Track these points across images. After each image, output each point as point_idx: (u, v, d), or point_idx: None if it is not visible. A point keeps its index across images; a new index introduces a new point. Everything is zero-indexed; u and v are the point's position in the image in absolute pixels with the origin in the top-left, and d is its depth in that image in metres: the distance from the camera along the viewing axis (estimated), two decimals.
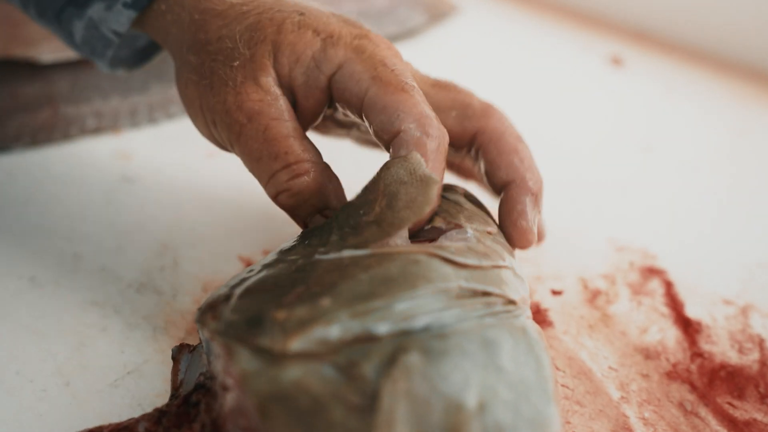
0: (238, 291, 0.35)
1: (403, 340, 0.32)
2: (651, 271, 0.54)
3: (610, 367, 0.46)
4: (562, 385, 0.44)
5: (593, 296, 0.51)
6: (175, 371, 0.40)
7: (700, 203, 0.63)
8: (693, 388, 0.45)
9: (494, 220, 0.44)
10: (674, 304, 0.51)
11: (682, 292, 0.52)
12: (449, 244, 0.38)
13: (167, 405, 0.38)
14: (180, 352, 0.40)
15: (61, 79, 0.64)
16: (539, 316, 0.49)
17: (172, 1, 0.44)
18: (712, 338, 0.48)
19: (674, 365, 0.46)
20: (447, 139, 0.40)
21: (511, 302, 0.36)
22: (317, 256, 0.36)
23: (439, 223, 0.39)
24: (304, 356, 0.31)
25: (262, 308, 0.33)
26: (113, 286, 0.48)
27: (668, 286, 0.52)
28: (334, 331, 0.32)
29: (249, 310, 0.33)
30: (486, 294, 0.35)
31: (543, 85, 0.80)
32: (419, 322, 0.33)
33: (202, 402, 0.36)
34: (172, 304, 0.47)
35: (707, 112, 0.77)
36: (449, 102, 0.45)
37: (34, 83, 0.63)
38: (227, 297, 0.35)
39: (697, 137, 0.72)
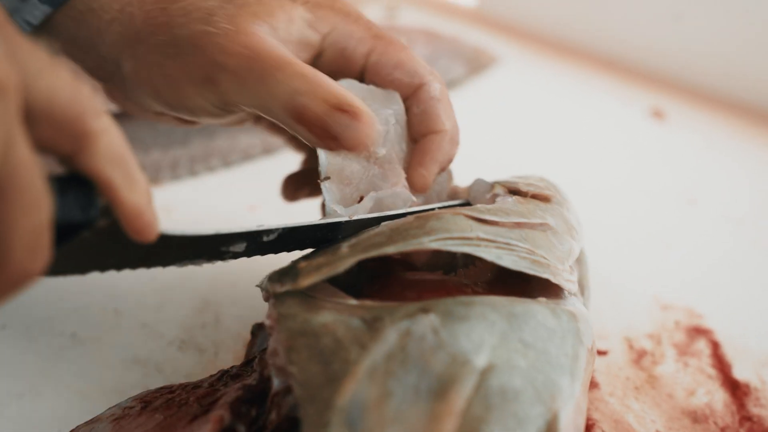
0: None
1: (429, 303, 0.35)
2: (697, 331, 0.53)
3: (657, 431, 0.45)
4: None
5: (639, 357, 0.51)
6: (250, 345, 0.45)
7: (747, 259, 0.62)
8: None
9: (558, 198, 0.47)
10: (721, 365, 0.50)
11: (730, 352, 0.51)
12: (480, 205, 0.43)
13: (231, 368, 0.42)
14: (259, 329, 0.45)
15: None
16: None
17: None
18: (761, 401, 0.48)
19: (723, 429, 0.46)
20: None
21: (531, 252, 0.40)
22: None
23: (497, 190, 0.45)
24: (338, 309, 0.36)
25: (294, 263, 0.39)
26: (154, 343, 0.49)
27: (715, 346, 0.52)
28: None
29: (286, 267, 0.39)
30: (508, 245, 0.39)
31: (584, 137, 0.80)
32: None
33: (258, 357, 0.40)
34: (214, 362, 0.48)
35: (751, 166, 0.76)
36: None
37: None
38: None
39: (741, 191, 0.72)
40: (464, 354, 0.33)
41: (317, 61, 0.45)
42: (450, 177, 0.49)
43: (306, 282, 0.37)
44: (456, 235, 0.38)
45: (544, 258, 0.40)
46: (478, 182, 0.47)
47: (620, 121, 0.84)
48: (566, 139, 0.80)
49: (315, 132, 0.40)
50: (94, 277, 0.54)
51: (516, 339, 0.35)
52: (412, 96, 0.45)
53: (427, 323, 0.34)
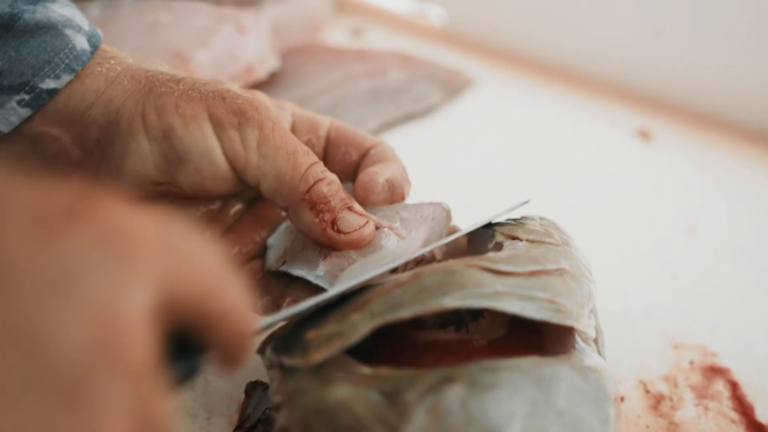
0: (295, 321, 0.39)
1: (452, 371, 0.34)
2: (713, 371, 0.52)
3: None
4: None
5: (657, 402, 0.49)
6: (244, 405, 0.44)
7: (755, 291, 0.61)
8: None
9: (564, 237, 0.46)
10: (743, 407, 0.49)
11: (750, 393, 0.50)
12: (492, 254, 0.41)
13: None
14: (254, 388, 0.45)
15: None
16: None
17: (107, 66, 0.45)
18: None
19: None
20: None
21: (552, 301, 0.38)
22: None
23: (498, 238, 0.44)
24: (353, 381, 0.34)
25: (301, 331, 0.37)
26: None
27: (734, 387, 0.51)
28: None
29: (291, 334, 0.37)
30: (528, 296, 0.38)
31: (569, 160, 0.80)
32: None
33: (259, 428, 0.40)
34: (207, 428, 0.45)
35: (747, 188, 0.75)
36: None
37: None
38: (285, 327, 0.39)
39: (740, 216, 0.71)
40: (497, 428, 0.32)
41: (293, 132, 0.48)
42: (448, 216, 0.48)
43: (318, 357, 0.35)
44: (475, 292, 0.37)
45: (566, 305, 0.39)
46: (477, 232, 0.47)
47: (606, 142, 0.83)
48: (550, 162, 0.79)
49: (323, 219, 0.43)
50: None
51: (547, 406, 0.34)
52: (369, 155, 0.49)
53: (453, 396, 0.32)
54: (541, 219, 0.48)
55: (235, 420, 0.46)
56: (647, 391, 0.50)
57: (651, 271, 0.63)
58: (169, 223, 0.26)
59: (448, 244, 0.48)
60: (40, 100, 0.42)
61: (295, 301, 0.45)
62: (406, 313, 0.36)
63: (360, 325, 0.35)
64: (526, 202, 0.50)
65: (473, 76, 0.92)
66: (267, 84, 0.77)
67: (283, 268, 0.45)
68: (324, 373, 0.34)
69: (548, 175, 0.77)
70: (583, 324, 0.39)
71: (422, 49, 0.97)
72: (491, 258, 0.40)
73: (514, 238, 0.44)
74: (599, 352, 0.43)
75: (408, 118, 0.83)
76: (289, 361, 0.35)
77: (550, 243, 0.44)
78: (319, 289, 0.43)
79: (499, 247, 0.44)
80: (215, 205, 0.48)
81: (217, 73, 0.70)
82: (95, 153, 0.43)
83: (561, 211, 0.69)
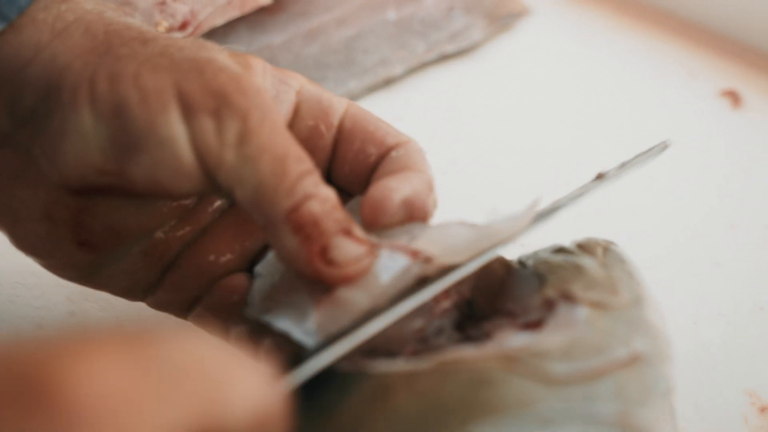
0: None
1: None
2: None
3: None
4: None
5: None
6: None
7: None
8: None
9: (636, 289, 0.36)
10: None
11: None
12: (541, 342, 0.32)
13: None
14: None
15: None
16: None
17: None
18: None
19: None
20: None
21: (621, 423, 0.29)
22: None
23: (550, 292, 0.35)
24: None
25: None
26: None
27: None
28: None
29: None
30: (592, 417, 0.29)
31: (634, 118, 0.69)
32: None
33: None
34: None
35: None
36: None
37: None
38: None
39: None
40: None
41: (294, 121, 0.41)
42: None
43: None
44: (513, 419, 0.29)
45: (641, 419, 0.30)
46: (521, 277, 0.37)
47: (681, 102, 0.71)
48: (611, 117, 0.69)
49: (311, 249, 0.35)
50: None
51: None
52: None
53: None
54: (605, 251, 0.38)
55: None
56: None
57: (732, 295, 0.52)
58: None
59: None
60: None
61: (276, 346, 0.37)
62: None
63: None
64: (665, 147, 0.43)
65: (528, 6, 0.80)
66: (270, 11, 0.66)
67: (265, 318, 0.38)
68: None
69: (605, 131, 0.67)
70: None
71: None
72: (541, 352, 0.31)
73: (568, 296, 0.34)
74: None
75: (443, 58, 0.72)
76: None
77: (617, 307, 0.34)
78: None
79: (548, 306, 0.34)
80: (188, 200, 0.41)
81: None
82: (29, 125, 0.38)
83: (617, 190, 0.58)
